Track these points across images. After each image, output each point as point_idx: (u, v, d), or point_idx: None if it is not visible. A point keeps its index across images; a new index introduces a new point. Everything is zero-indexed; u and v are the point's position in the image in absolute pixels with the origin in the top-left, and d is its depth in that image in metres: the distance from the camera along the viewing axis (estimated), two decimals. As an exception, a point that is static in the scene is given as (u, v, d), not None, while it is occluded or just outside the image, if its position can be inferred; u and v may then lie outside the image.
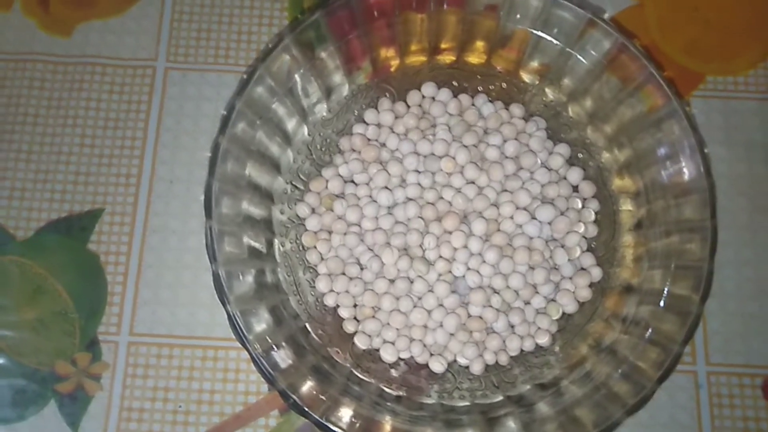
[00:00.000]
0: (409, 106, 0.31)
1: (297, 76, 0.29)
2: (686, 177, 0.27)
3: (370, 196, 0.30)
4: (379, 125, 0.31)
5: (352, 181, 0.31)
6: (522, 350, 0.29)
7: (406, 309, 0.29)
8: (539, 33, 0.29)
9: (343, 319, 0.29)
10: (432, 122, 0.31)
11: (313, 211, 0.30)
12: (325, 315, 0.29)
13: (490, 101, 0.31)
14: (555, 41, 0.29)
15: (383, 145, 0.31)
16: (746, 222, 0.32)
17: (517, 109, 0.31)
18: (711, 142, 0.33)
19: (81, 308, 0.31)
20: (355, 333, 0.29)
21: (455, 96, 0.31)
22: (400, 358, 0.29)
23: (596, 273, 0.29)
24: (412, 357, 0.29)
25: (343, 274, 0.29)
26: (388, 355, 0.29)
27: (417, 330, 0.29)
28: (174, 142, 0.33)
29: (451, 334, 0.29)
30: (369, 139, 0.31)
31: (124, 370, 0.31)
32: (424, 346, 0.29)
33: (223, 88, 0.34)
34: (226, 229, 0.26)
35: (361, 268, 0.29)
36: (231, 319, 0.25)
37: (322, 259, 0.30)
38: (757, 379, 0.31)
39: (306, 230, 0.30)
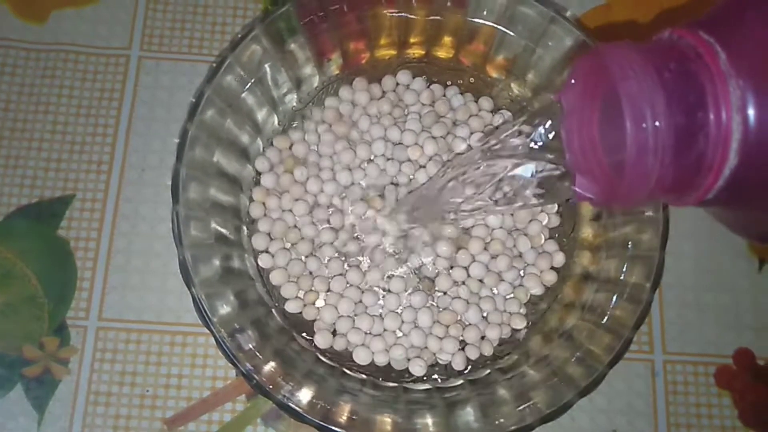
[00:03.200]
0: (384, 92, 0.32)
1: (267, 67, 0.29)
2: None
3: (332, 170, 0.30)
4: (352, 104, 0.31)
5: (317, 152, 0.31)
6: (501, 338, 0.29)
7: (372, 312, 0.29)
8: (504, 29, 0.30)
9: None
10: (405, 111, 0.32)
11: (272, 168, 0.31)
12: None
13: (461, 93, 0.32)
14: (519, 37, 0.30)
15: (354, 123, 0.31)
16: (704, 214, 0.33)
17: (485, 102, 0.32)
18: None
19: (50, 293, 0.31)
20: (314, 321, 0.29)
21: (428, 86, 0.32)
22: (373, 362, 0.29)
23: (559, 258, 0.30)
24: (389, 364, 0.29)
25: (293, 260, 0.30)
26: (360, 360, 0.29)
27: (389, 334, 0.29)
28: (146, 131, 0.34)
29: (429, 332, 0.28)
30: (341, 115, 0.31)
31: (92, 355, 0.31)
32: (404, 348, 0.29)
33: (196, 77, 0.34)
34: (192, 214, 0.26)
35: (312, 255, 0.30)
36: (196, 301, 0.25)
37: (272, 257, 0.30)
38: (710, 367, 0.32)
39: (260, 185, 0.30)
